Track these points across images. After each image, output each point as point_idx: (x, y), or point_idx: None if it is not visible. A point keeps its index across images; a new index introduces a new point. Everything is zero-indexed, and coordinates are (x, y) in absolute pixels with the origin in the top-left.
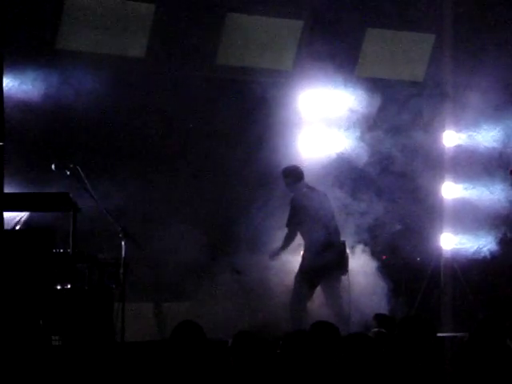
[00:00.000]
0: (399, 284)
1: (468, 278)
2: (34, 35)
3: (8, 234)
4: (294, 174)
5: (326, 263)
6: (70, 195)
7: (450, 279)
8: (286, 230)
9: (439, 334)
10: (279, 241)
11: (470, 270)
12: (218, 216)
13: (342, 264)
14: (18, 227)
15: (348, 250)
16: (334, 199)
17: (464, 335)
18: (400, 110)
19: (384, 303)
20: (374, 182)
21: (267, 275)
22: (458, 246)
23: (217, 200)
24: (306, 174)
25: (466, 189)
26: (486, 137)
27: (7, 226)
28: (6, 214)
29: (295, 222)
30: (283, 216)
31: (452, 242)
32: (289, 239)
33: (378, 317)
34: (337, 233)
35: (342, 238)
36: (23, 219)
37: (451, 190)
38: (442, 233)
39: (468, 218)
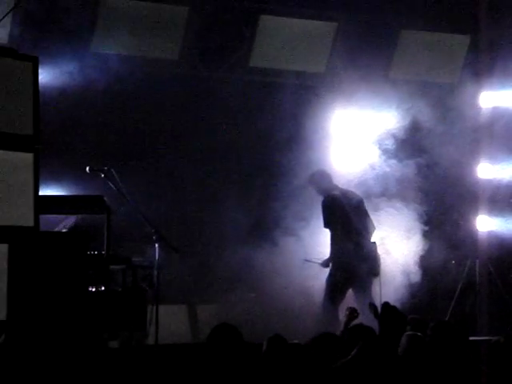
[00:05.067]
0: (434, 287)
1: (504, 281)
2: (70, 39)
3: (43, 236)
4: (321, 179)
5: (355, 265)
6: (105, 198)
7: (486, 281)
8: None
9: (474, 338)
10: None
11: (506, 272)
12: (250, 217)
13: (372, 265)
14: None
15: (380, 252)
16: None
17: (499, 338)
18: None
19: (419, 306)
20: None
21: (298, 278)
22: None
23: (248, 202)
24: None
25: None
26: None
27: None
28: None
29: (332, 221)
30: (319, 218)
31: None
32: (334, 237)
33: (413, 320)
34: (367, 234)
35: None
36: (68, 225)
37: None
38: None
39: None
